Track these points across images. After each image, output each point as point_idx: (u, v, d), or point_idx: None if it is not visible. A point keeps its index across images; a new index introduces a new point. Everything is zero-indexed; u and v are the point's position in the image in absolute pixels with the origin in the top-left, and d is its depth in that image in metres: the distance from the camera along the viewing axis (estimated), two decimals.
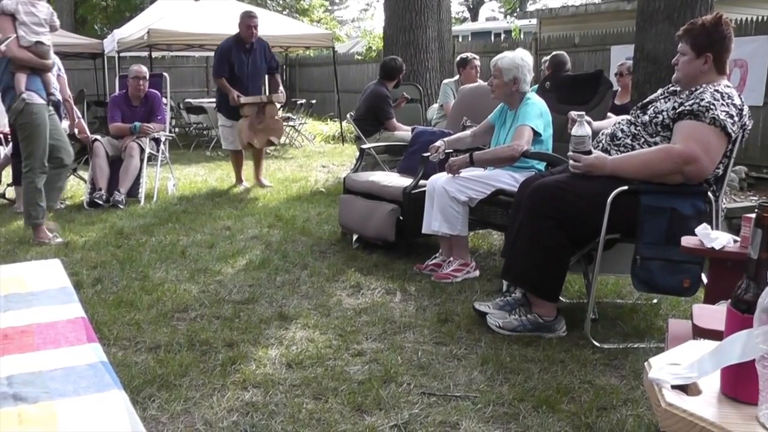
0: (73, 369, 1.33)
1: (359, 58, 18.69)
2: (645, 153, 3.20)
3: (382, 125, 6.98)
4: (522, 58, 4.33)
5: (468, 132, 4.78)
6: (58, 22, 5.37)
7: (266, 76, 8.30)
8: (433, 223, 4.29)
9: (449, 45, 13.09)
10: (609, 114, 4.98)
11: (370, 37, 21.18)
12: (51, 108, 5.35)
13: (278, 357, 3.14)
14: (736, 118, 3.10)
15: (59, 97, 5.58)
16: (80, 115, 6.93)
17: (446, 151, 4.57)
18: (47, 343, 1.47)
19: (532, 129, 4.21)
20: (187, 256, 4.88)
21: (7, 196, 7.22)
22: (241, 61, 7.64)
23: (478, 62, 7.71)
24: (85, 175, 7.36)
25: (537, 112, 4.28)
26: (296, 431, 2.47)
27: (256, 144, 7.83)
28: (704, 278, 3.06)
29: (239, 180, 8.20)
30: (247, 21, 7.60)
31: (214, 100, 9.07)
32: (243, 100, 7.55)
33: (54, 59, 6.74)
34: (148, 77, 7.42)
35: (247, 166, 8.38)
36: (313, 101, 14.67)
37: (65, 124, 7.15)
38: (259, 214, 6.42)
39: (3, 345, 1.45)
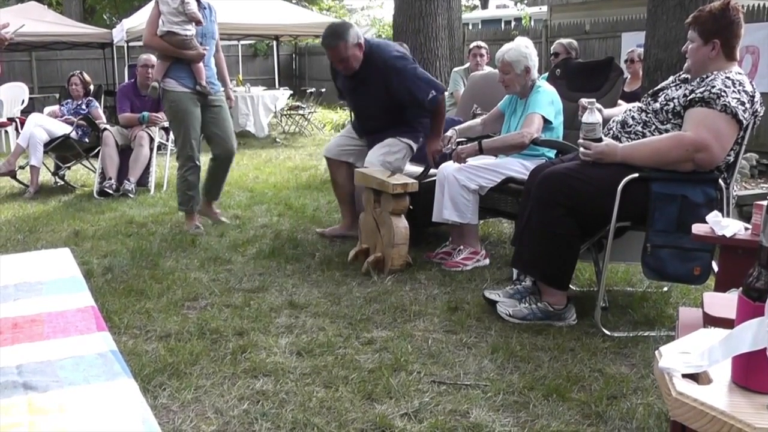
0: (83, 358, 1.33)
1: None
2: (656, 140, 3.18)
3: None
4: (525, 45, 4.34)
5: (478, 120, 4.76)
6: (191, 10, 5.14)
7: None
8: (443, 211, 4.28)
9: (459, 33, 13.00)
10: (619, 101, 4.96)
11: (380, 25, 21.12)
12: (197, 96, 5.23)
13: (288, 345, 3.15)
14: (747, 105, 3.08)
15: (215, 89, 5.39)
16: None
17: (457, 140, 4.56)
18: (57, 332, 1.47)
19: (543, 117, 4.19)
20: (197, 245, 4.89)
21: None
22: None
23: (483, 50, 7.68)
24: (95, 164, 7.38)
25: (548, 100, 4.26)
26: (307, 419, 2.48)
27: None
28: (715, 266, 3.05)
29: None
30: None
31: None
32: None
33: None
34: None
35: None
36: (323, 90, 14.62)
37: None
38: (269, 202, 6.43)
39: (13, 334, 1.46)
